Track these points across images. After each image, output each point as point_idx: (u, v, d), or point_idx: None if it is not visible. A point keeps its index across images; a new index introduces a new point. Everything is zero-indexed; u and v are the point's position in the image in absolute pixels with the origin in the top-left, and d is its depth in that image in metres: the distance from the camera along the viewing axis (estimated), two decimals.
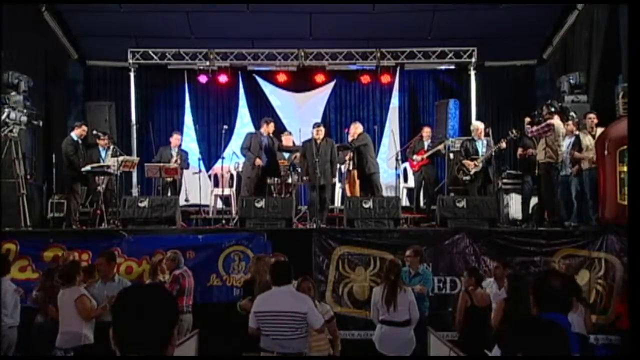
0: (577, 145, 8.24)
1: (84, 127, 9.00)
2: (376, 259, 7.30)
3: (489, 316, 5.51)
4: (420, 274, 6.33)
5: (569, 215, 8.31)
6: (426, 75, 12.56)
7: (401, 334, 5.39)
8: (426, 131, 10.12)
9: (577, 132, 8.34)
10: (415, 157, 9.93)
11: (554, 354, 2.01)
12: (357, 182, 9.32)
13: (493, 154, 8.79)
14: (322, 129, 9.15)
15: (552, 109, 8.11)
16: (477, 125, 9.25)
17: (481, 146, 8.98)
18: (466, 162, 8.94)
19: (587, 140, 8.14)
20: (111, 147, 9.17)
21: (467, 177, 8.93)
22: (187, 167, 9.88)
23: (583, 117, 8.56)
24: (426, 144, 9.95)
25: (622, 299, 6.50)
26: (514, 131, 8.86)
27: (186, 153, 10.06)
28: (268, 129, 9.35)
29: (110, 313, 1.66)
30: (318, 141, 9.01)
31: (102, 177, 8.77)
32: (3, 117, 8.30)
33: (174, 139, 9.75)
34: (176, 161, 9.41)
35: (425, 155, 9.82)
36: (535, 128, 8.19)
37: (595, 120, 8.23)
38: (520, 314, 5.04)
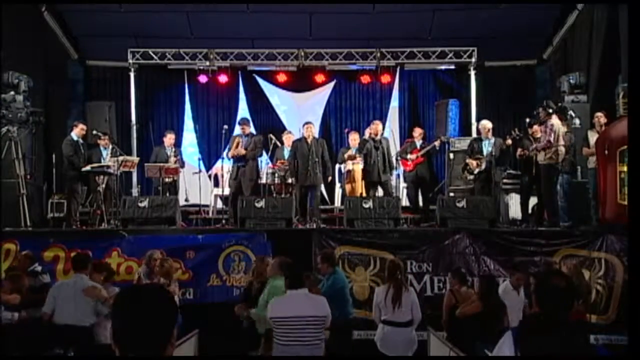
0: (585, 141, 8.27)
1: (82, 126, 8.98)
2: (376, 259, 7.29)
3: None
4: (332, 275, 5.94)
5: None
6: (426, 75, 12.56)
7: (403, 334, 5.38)
8: (417, 132, 10.08)
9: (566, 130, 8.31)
10: (409, 156, 9.77)
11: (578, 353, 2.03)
12: (361, 181, 9.26)
13: (494, 153, 8.79)
14: (312, 127, 9.19)
15: (549, 110, 8.11)
16: (485, 124, 9.18)
17: (487, 146, 8.97)
18: (470, 161, 8.94)
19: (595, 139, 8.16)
20: (110, 146, 9.15)
21: (472, 177, 8.93)
22: (183, 165, 9.80)
23: (591, 117, 8.59)
24: (418, 144, 9.90)
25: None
26: (516, 130, 8.85)
27: (180, 151, 10.01)
28: (244, 129, 9.32)
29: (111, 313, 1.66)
30: (309, 140, 9.04)
31: (102, 177, 8.76)
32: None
33: (168, 138, 9.63)
34: (175, 161, 9.37)
35: (420, 154, 9.73)
36: (545, 140, 8.00)
37: (603, 119, 8.26)
38: (490, 310, 5.29)
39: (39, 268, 6.54)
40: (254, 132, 9.88)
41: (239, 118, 10.57)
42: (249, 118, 10.31)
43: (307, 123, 9.37)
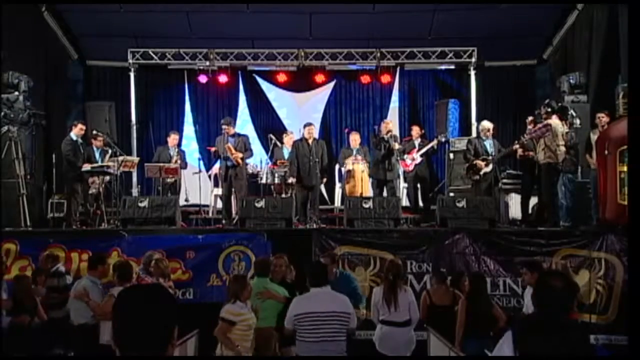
0: (588, 145, 8.26)
1: (81, 126, 8.96)
2: (376, 259, 7.30)
3: (450, 314, 5.60)
4: (340, 278, 5.89)
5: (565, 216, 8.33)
6: (426, 75, 12.56)
7: (401, 334, 5.38)
8: (415, 131, 10.07)
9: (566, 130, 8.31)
10: (406, 156, 9.71)
11: (577, 353, 2.03)
12: (364, 181, 9.23)
13: (495, 154, 8.78)
14: (313, 128, 9.18)
15: (549, 109, 8.10)
16: (486, 125, 9.12)
17: (490, 146, 8.95)
18: (477, 162, 8.89)
19: None
20: (109, 150, 9.03)
21: (477, 177, 8.89)
22: (185, 166, 9.82)
23: (591, 117, 8.58)
24: (416, 143, 9.89)
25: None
26: (525, 136, 8.79)
27: (184, 152, 10.04)
28: (229, 130, 9.18)
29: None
30: (310, 141, 9.03)
31: (101, 177, 8.76)
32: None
33: (172, 138, 9.67)
34: (176, 161, 9.38)
35: (417, 154, 9.69)
36: (533, 130, 8.14)
37: (605, 119, 8.24)
38: (480, 311, 5.27)
39: (62, 268, 6.56)
40: (238, 132, 9.75)
41: (238, 118, 10.50)
42: (232, 117, 10.15)
43: (308, 124, 9.35)
